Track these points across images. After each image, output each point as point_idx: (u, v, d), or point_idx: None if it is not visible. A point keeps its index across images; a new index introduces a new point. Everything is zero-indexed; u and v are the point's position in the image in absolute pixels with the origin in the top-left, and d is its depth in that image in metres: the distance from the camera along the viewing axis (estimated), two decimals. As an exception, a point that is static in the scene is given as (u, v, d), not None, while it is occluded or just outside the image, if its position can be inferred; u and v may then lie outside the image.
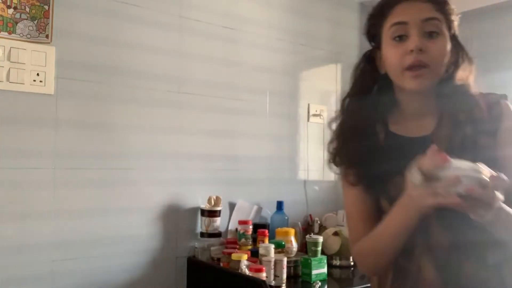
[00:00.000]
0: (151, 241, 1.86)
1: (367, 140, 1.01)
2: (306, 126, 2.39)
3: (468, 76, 1.00)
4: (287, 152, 2.32)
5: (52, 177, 1.65)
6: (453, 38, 0.99)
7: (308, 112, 2.40)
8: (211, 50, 2.06)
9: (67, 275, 1.67)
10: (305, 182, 2.37)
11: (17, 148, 1.59)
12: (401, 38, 0.95)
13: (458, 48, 0.99)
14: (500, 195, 0.78)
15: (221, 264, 1.80)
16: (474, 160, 0.84)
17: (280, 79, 2.30)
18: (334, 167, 1.07)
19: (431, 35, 0.94)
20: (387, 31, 0.97)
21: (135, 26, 1.85)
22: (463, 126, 0.95)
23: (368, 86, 1.05)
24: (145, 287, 1.83)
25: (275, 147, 2.26)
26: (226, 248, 1.88)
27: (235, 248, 1.88)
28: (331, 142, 1.07)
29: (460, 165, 0.81)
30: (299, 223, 2.23)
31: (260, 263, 1.72)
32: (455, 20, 0.99)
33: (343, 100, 1.07)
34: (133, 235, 1.82)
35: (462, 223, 0.87)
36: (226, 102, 2.09)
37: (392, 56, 0.97)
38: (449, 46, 0.96)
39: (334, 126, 1.08)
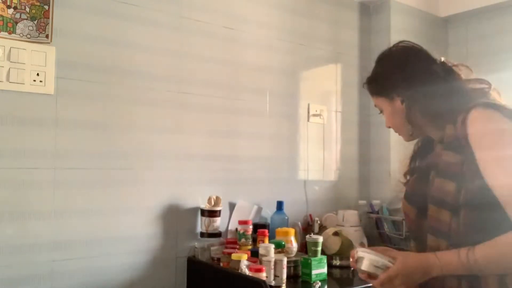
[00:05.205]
0: (151, 241, 1.86)
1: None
2: (306, 126, 2.39)
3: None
4: (287, 152, 2.32)
5: (52, 177, 1.65)
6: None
7: (308, 112, 2.40)
8: (211, 50, 2.06)
9: (67, 275, 1.67)
10: (305, 182, 2.37)
11: (17, 148, 1.59)
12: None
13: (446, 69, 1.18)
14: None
15: (221, 264, 1.80)
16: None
17: (280, 79, 2.30)
18: None
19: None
20: None
21: (135, 26, 1.85)
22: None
23: None
24: (145, 287, 1.84)
25: (275, 147, 2.26)
26: (226, 248, 1.88)
27: (235, 248, 1.88)
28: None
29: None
30: (299, 223, 2.23)
31: (260, 263, 1.72)
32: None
33: None
34: (133, 235, 1.82)
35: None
36: (226, 102, 2.09)
37: None
38: (392, 111, 1.23)
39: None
